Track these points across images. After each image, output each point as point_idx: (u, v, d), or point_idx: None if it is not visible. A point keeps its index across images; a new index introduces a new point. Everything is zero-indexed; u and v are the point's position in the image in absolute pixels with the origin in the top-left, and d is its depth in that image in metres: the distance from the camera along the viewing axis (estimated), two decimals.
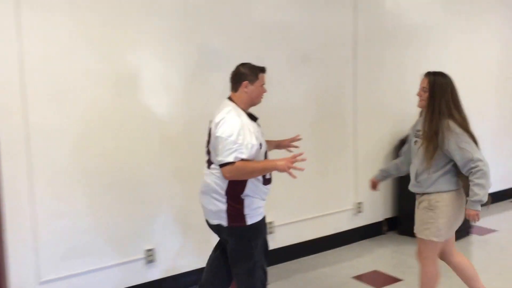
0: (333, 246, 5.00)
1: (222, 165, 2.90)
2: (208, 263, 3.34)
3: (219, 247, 3.31)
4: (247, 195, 3.01)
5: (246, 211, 3.01)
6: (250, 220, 3.03)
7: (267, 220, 4.42)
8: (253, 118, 3.13)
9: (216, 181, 3.01)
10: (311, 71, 4.70)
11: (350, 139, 5.04)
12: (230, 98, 3.11)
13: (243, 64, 3.14)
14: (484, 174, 3.10)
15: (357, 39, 4.97)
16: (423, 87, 3.31)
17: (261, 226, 3.14)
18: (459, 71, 5.84)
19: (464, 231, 5.27)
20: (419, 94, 3.35)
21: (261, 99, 3.17)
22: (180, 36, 3.93)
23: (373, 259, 4.79)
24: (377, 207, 5.33)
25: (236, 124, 2.92)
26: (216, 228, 3.13)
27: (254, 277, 3.07)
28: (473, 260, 4.49)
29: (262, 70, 3.15)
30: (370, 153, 5.20)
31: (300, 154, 2.87)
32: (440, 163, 3.24)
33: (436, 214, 3.27)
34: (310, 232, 4.85)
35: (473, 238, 5.25)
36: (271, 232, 4.52)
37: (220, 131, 2.91)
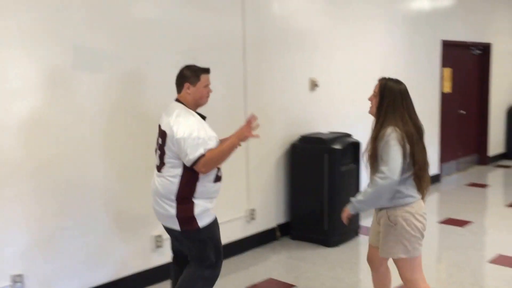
0: (225, 257, 4.78)
1: (194, 163, 2.99)
2: (172, 276, 3.47)
3: (176, 258, 3.43)
4: (196, 198, 3.09)
5: (196, 213, 3.09)
6: (201, 222, 3.12)
7: (155, 233, 4.22)
8: (202, 117, 3.24)
9: (165, 185, 3.08)
10: None
11: (241, 144, 4.88)
12: (177, 100, 3.23)
13: (187, 66, 3.25)
14: (379, 187, 2.89)
15: (246, 41, 4.86)
16: (374, 92, 3.08)
17: (213, 227, 3.22)
18: (346, 77, 6.03)
19: (352, 231, 5.35)
20: (370, 99, 3.12)
21: (207, 100, 3.29)
22: (50, 32, 3.55)
23: (267, 266, 4.68)
24: (269, 213, 5.25)
25: (192, 122, 3.08)
26: (170, 232, 3.25)
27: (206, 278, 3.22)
28: (361, 261, 4.54)
29: (204, 71, 3.24)
30: (262, 158, 5.11)
31: (254, 116, 3.20)
32: None
33: (397, 230, 3.00)
34: None
35: (361, 238, 5.32)
36: (159, 246, 4.26)
37: (180, 133, 3.00)
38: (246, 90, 4.91)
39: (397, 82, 3.06)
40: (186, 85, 3.19)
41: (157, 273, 4.28)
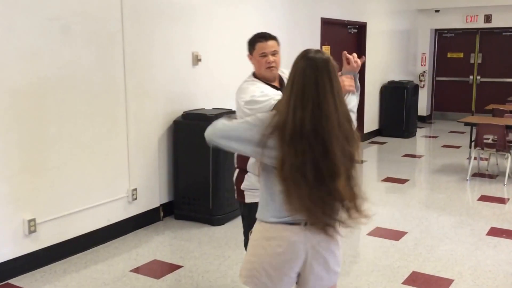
0: (107, 240, 4.56)
1: None
2: None
3: None
4: (249, 170, 2.91)
5: (243, 186, 2.95)
6: (247, 198, 2.95)
7: (27, 217, 3.86)
8: (275, 88, 2.88)
9: None
10: (73, 45, 4.15)
11: (121, 121, 4.62)
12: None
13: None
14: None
15: (124, 12, 4.55)
16: None
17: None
18: (229, 52, 5.90)
19: (237, 210, 5.29)
20: None
21: (267, 70, 2.86)
22: None
23: (151, 248, 4.49)
24: (152, 193, 5.03)
25: (247, 90, 2.80)
26: None
27: None
28: None
29: (260, 38, 2.84)
30: (143, 136, 4.86)
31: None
32: None
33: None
34: (79, 227, 4.33)
35: None
36: (32, 231, 3.90)
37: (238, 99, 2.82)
38: (125, 64, 4.61)
39: None
40: (248, 55, 2.97)
41: (31, 260, 3.93)
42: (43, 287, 3.72)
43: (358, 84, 2.48)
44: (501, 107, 8.16)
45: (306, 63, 2.03)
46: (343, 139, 1.98)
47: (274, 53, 2.85)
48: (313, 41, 7.67)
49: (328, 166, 1.96)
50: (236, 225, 5.08)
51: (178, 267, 4.08)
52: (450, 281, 3.84)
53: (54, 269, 4.02)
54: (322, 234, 2.08)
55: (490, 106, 8.41)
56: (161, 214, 5.13)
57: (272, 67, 2.86)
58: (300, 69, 2.03)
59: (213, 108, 5.35)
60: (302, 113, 1.95)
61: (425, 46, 11.59)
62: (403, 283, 3.82)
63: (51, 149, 4.04)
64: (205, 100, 5.49)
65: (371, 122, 9.72)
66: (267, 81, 2.92)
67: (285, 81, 2.62)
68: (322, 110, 1.96)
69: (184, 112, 5.15)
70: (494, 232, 4.87)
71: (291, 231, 2.07)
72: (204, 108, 5.33)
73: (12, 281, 3.80)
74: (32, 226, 3.90)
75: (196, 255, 4.31)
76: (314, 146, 1.95)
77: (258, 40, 2.88)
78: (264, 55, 2.85)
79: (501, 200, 5.90)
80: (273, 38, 2.88)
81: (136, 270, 4.03)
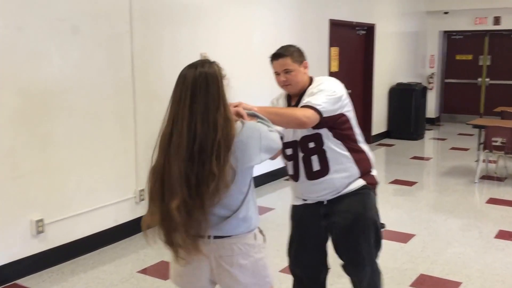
0: (114, 240, 4.57)
1: None
2: None
3: None
4: None
5: None
6: None
7: (35, 218, 3.87)
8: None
9: None
10: (82, 46, 4.17)
11: (129, 122, 4.63)
12: None
13: None
14: None
15: (132, 13, 4.56)
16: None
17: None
18: (237, 54, 5.91)
19: None
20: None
21: (285, 88, 2.76)
22: None
23: (159, 249, 4.45)
24: None
25: None
26: None
27: None
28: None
29: (272, 57, 2.75)
30: (152, 136, 4.85)
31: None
32: None
33: None
34: (87, 228, 4.34)
35: None
36: (40, 232, 3.92)
37: None
38: (133, 64, 4.63)
39: None
40: None
41: (38, 261, 3.94)
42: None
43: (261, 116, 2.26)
44: (510, 109, 8.11)
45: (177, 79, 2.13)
46: (187, 160, 1.96)
47: (287, 71, 2.71)
48: (321, 42, 7.67)
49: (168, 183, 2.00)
50: None
51: None
52: (458, 284, 3.82)
53: (62, 270, 4.03)
54: (226, 248, 2.07)
55: (499, 109, 8.36)
56: None
57: (286, 85, 2.76)
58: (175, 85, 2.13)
59: None
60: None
61: (433, 48, 11.54)
62: (411, 285, 3.80)
63: (59, 150, 4.06)
64: None
65: (380, 124, 9.69)
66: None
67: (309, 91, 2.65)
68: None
69: None
70: (503, 235, 4.83)
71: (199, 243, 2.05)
72: None
73: (20, 281, 3.82)
74: (40, 227, 3.92)
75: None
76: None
77: (271, 59, 2.77)
78: (277, 73, 2.77)
79: (510, 203, 5.85)
80: (285, 55, 2.72)
81: (144, 271, 4.03)
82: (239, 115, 2.10)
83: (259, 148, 2.02)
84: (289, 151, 2.79)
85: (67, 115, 4.09)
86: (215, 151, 1.92)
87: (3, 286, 3.74)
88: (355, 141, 2.77)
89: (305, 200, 2.85)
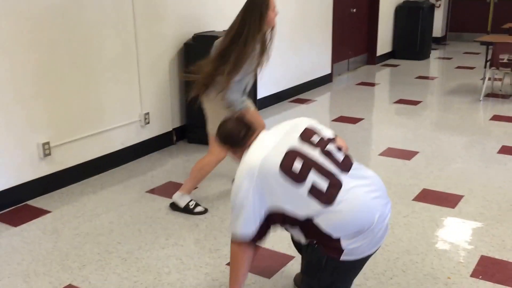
0: (122, 163, 4.64)
1: None
2: None
3: None
4: None
5: None
6: None
7: (42, 141, 3.92)
8: None
9: None
10: None
11: (131, 45, 4.57)
12: None
13: None
14: None
15: None
16: None
17: None
18: None
19: None
20: None
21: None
22: None
23: (165, 170, 4.57)
24: (165, 117, 5.06)
25: None
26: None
27: None
28: None
29: None
30: (154, 59, 4.82)
31: None
32: None
33: None
34: (95, 150, 4.40)
35: None
36: (47, 154, 3.98)
37: None
38: None
39: None
40: None
41: (47, 182, 4.03)
42: (61, 207, 3.83)
43: None
44: None
45: None
46: None
47: None
48: None
49: None
50: None
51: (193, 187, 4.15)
52: (460, 197, 3.90)
53: (72, 191, 4.13)
54: None
55: (507, 25, 8.18)
56: (174, 138, 5.19)
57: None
58: None
59: (224, 30, 5.23)
60: None
61: None
62: (413, 199, 3.88)
63: (64, 75, 4.04)
64: (215, 22, 5.39)
65: (385, 44, 9.55)
66: None
67: None
68: None
69: (194, 34, 5.08)
70: (506, 150, 4.87)
71: None
72: (214, 30, 5.24)
73: (31, 202, 3.91)
74: (46, 150, 3.97)
75: (211, 176, 4.37)
76: None
77: None
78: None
79: None
80: None
81: (152, 191, 4.12)
82: None
83: None
84: None
85: (69, 40, 4.03)
86: None
87: (15, 206, 3.84)
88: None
89: None
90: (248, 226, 2.16)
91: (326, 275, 2.19)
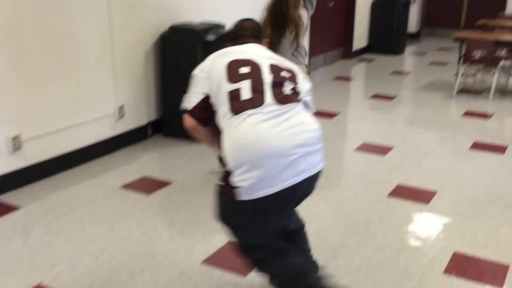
0: (95, 157, 4.56)
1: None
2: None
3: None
4: None
5: None
6: None
7: (12, 134, 3.83)
8: None
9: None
10: None
11: (105, 34, 4.48)
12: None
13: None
14: None
15: None
16: None
17: None
18: None
19: None
20: None
21: None
22: None
23: (140, 165, 4.51)
24: (140, 110, 4.99)
25: None
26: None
27: None
28: None
29: None
30: (129, 50, 4.74)
31: None
32: None
33: None
34: (66, 145, 4.31)
35: None
36: (17, 148, 3.88)
37: None
38: None
39: None
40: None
41: (18, 177, 3.95)
42: (32, 203, 3.74)
43: None
44: (491, 22, 8.04)
45: None
46: None
47: None
48: None
49: None
50: None
51: (168, 183, 4.11)
52: (433, 193, 3.94)
53: (43, 186, 4.04)
54: None
55: (481, 22, 8.28)
56: (149, 132, 5.12)
57: None
58: None
59: (201, 22, 5.17)
60: None
61: None
62: (388, 195, 3.91)
63: (34, 65, 3.94)
64: (193, 13, 5.32)
65: (361, 38, 9.58)
66: None
67: None
68: None
69: (171, 25, 5.00)
70: (477, 146, 4.94)
71: None
72: (191, 22, 5.17)
73: (1, 197, 3.82)
74: (16, 144, 3.87)
75: (185, 171, 4.35)
76: None
77: None
78: None
79: (485, 116, 5.95)
80: None
81: (126, 187, 4.06)
82: None
83: None
84: None
85: (39, 29, 3.93)
86: None
87: None
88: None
89: None
90: (191, 100, 2.45)
91: (235, 219, 2.30)
